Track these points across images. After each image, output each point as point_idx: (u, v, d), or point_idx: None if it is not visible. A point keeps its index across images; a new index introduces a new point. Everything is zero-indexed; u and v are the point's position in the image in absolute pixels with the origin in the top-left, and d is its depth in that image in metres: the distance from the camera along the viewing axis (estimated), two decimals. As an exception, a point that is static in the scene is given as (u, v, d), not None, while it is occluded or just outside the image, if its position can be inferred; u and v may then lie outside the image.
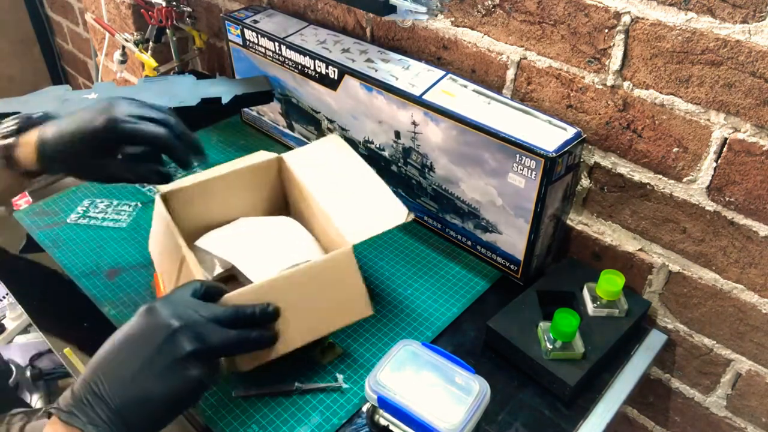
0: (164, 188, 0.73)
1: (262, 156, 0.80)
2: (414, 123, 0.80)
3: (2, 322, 1.51)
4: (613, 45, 0.67)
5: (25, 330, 1.53)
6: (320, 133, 0.98)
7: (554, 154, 0.67)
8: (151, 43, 1.27)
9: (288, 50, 0.92)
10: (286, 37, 0.93)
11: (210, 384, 0.53)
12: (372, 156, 0.89)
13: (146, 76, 1.25)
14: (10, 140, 0.64)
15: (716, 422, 0.80)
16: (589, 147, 0.75)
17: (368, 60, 0.86)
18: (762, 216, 0.64)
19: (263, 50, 0.97)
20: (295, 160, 0.79)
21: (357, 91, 0.85)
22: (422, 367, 0.58)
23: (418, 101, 0.77)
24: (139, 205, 0.93)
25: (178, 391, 0.50)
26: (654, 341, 0.76)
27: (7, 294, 1.50)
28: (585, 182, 0.78)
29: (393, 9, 0.81)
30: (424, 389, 0.56)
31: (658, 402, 0.85)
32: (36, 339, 1.50)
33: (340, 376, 0.67)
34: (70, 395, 0.49)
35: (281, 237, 0.74)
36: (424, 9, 0.81)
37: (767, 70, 0.57)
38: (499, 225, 0.77)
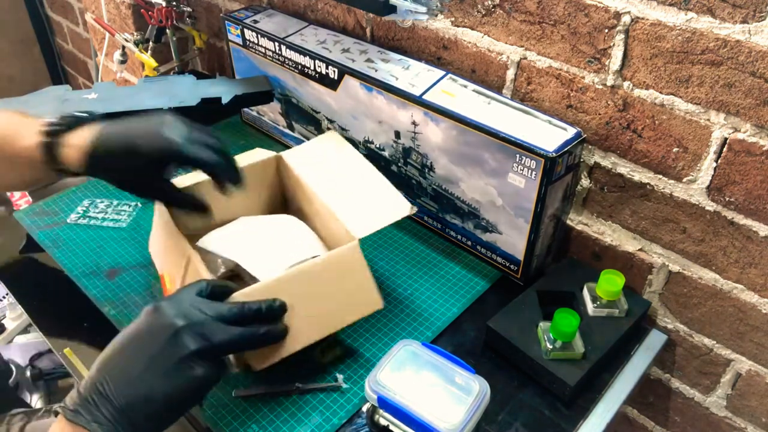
0: None
1: (259, 154, 0.79)
2: (414, 123, 0.80)
3: (2, 322, 1.51)
4: (613, 45, 0.67)
5: (25, 330, 1.53)
6: (320, 133, 0.98)
7: (554, 154, 0.67)
8: (151, 43, 1.27)
9: (288, 50, 0.92)
10: (286, 37, 0.93)
11: (217, 382, 0.53)
12: (372, 156, 0.89)
13: (146, 76, 1.25)
14: (56, 139, 0.63)
15: (716, 422, 0.80)
16: (589, 147, 0.75)
17: (368, 60, 0.86)
18: (762, 216, 0.64)
19: (263, 50, 0.97)
20: (294, 158, 0.79)
21: (357, 91, 0.85)
22: (422, 367, 0.58)
23: (418, 101, 0.77)
24: (139, 205, 0.92)
25: (183, 390, 0.50)
26: (654, 341, 0.76)
27: (7, 294, 1.50)
28: (585, 182, 0.78)
29: (393, 9, 0.81)
30: (424, 389, 0.56)
31: (658, 402, 0.85)
32: (36, 339, 1.50)
33: (340, 376, 0.67)
34: (77, 394, 0.49)
35: (284, 234, 0.74)
36: (424, 9, 0.81)
37: (767, 70, 0.57)
38: (499, 225, 0.77)
